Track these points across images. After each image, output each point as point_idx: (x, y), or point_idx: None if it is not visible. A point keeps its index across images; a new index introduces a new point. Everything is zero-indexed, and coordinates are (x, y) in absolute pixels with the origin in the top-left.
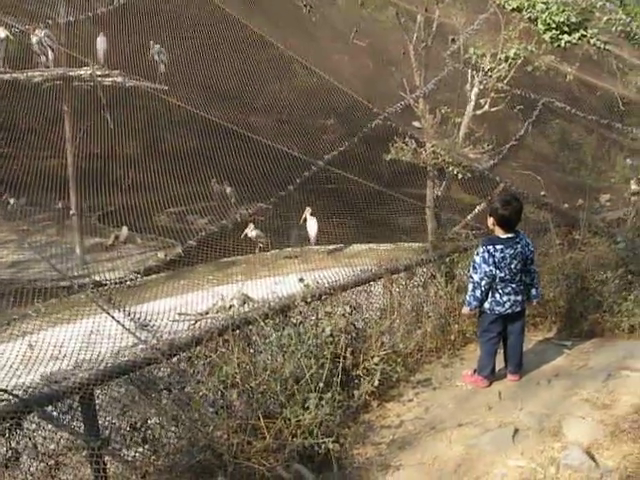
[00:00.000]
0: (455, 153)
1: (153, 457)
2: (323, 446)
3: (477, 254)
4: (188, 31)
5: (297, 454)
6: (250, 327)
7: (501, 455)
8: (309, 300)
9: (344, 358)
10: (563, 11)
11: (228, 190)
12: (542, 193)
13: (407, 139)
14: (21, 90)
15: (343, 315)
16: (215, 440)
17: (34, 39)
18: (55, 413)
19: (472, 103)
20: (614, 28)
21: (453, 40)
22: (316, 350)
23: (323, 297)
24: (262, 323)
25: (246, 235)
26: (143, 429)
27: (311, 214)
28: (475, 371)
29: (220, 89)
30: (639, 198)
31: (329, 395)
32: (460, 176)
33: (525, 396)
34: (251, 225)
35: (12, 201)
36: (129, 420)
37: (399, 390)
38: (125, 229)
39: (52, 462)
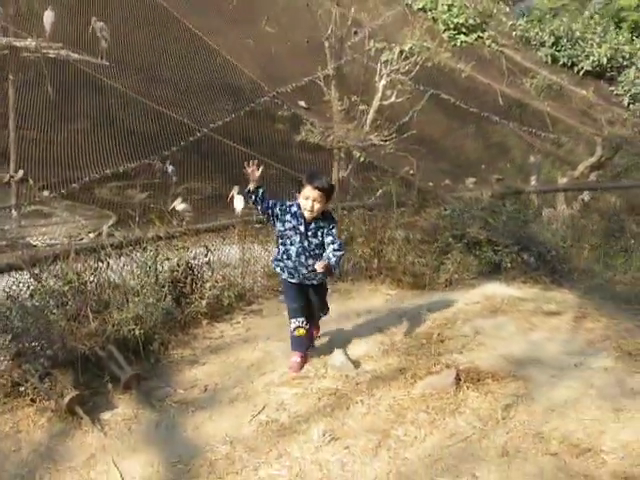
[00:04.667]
0: (361, 138)
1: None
2: (141, 341)
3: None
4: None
5: (115, 341)
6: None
7: (287, 358)
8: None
9: (183, 284)
10: (463, 14)
11: (169, 169)
12: (409, 170)
13: (314, 122)
14: None
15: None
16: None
17: None
18: None
19: (379, 94)
20: (514, 33)
21: (355, 32)
22: (159, 275)
23: (179, 236)
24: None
25: (174, 208)
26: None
27: (238, 193)
28: None
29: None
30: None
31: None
32: (362, 159)
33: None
34: (179, 199)
35: None
36: None
37: (231, 315)
38: (21, 172)
39: None
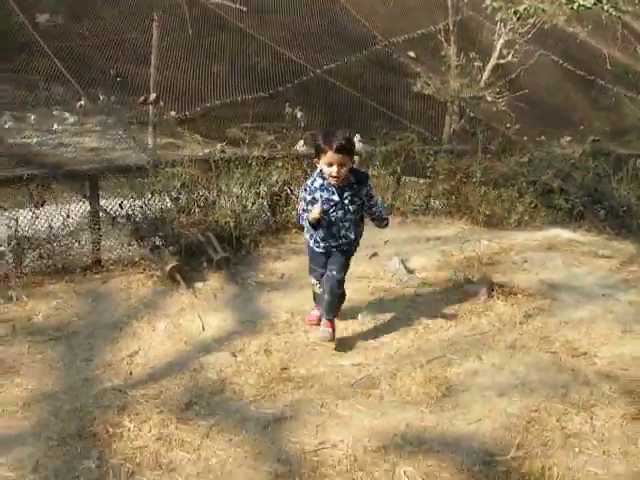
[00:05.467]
0: (476, 93)
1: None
2: (235, 234)
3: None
4: None
5: (213, 231)
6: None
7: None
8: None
9: (279, 197)
10: None
11: (298, 114)
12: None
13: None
14: None
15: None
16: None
17: None
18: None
19: (497, 52)
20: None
21: None
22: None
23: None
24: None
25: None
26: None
27: None
28: None
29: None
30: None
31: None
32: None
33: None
34: (301, 141)
35: (101, 97)
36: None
37: None
38: (154, 95)
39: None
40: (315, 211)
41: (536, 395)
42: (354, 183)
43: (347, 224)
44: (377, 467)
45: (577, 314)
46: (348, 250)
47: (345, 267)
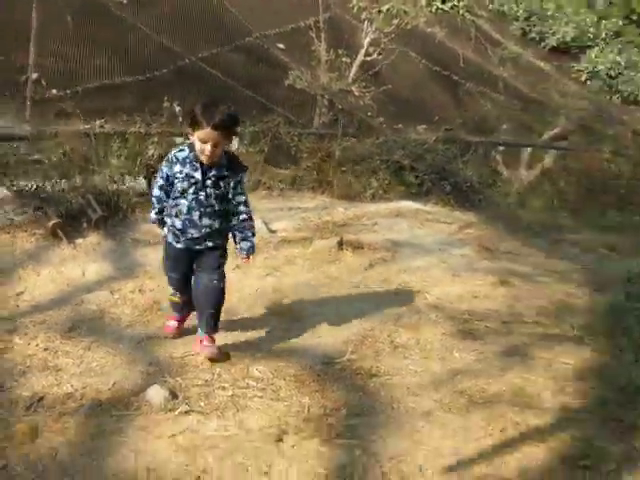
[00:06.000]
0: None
1: None
2: (114, 198)
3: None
4: None
5: (93, 194)
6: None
7: None
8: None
9: (154, 170)
10: None
11: (177, 109)
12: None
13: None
14: None
15: (162, 145)
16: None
17: None
18: None
19: (364, 49)
20: (490, 6)
21: None
22: (138, 160)
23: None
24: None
25: None
26: None
27: None
28: None
29: None
30: None
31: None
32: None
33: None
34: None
35: None
36: None
37: None
38: (36, 75)
39: None
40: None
41: (373, 320)
42: (226, 168)
43: (209, 210)
44: (233, 366)
45: (415, 263)
46: (219, 245)
47: (222, 266)
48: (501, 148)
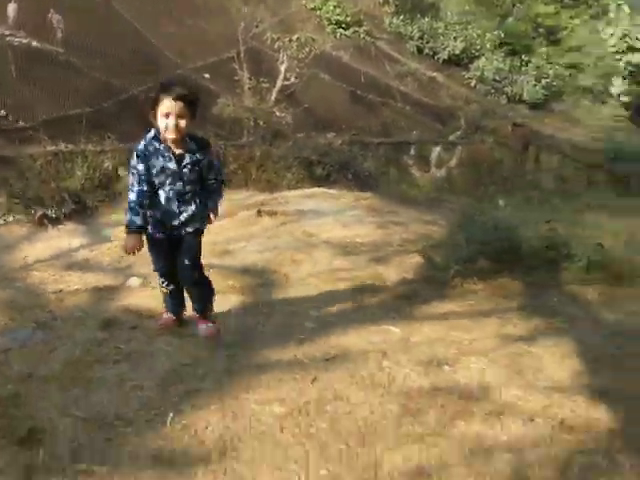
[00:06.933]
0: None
1: None
2: (83, 198)
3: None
4: None
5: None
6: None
7: None
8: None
9: (110, 177)
10: (343, 12)
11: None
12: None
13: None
14: None
15: (115, 158)
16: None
17: None
18: None
19: (282, 75)
20: (389, 29)
21: (257, 26)
22: (96, 171)
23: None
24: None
25: None
26: None
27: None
28: None
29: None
30: None
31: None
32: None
33: None
34: None
35: None
36: None
37: None
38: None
39: None
40: (129, 242)
41: (279, 250)
42: (195, 151)
43: (187, 196)
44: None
45: (316, 222)
46: (198, 228)
47: (198, 251)
48: (412, 152)
